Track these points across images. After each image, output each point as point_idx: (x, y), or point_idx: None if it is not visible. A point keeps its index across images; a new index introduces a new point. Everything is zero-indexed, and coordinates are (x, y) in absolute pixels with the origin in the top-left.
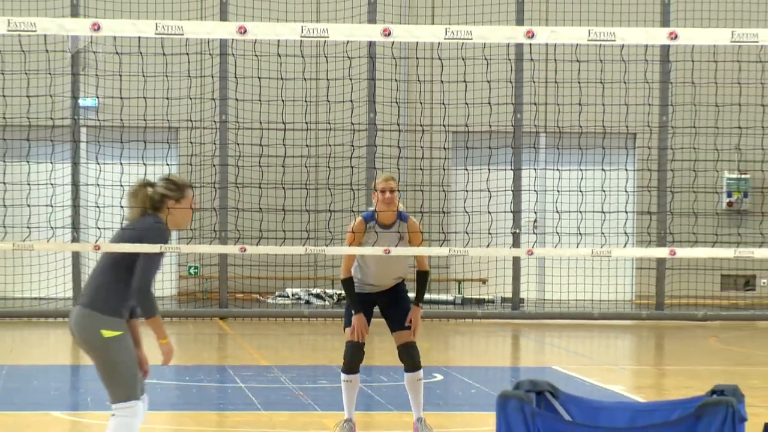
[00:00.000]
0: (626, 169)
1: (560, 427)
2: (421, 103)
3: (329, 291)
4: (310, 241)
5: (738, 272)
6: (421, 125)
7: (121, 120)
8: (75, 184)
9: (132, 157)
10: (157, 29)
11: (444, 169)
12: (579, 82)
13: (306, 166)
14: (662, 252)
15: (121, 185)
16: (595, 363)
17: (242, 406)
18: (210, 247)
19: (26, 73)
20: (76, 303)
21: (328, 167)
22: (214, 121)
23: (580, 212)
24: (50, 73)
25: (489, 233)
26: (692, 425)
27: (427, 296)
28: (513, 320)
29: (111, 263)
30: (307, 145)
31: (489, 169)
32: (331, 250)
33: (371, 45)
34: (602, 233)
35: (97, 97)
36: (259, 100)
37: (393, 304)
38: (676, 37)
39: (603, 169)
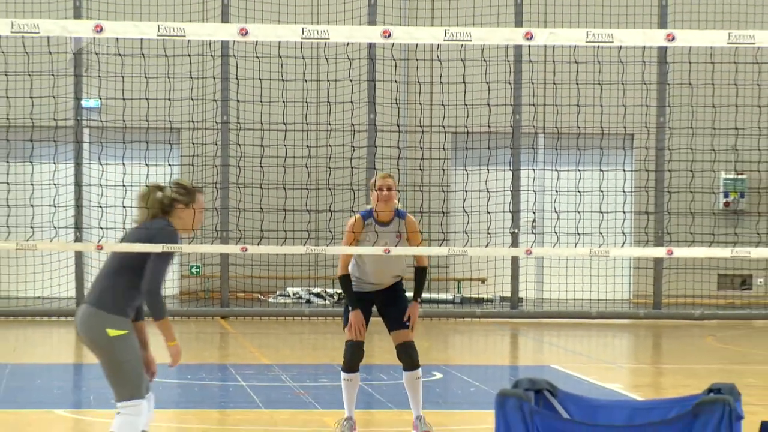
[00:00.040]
0: (624, 170)
1: (559, 426)
2: (420, 104)
3: (330, 290)
4: (310, 241)
5: (735, 272)
6: (420, 126)
7: (124, 121)
8: (78, 185)
9: (134, 157)
10: (159, 31)
11: (443, 170)
12: (577, 84)
13: (307, 167)
14: (660, 252)
15: (124, 185)
16: (593, 362)
17: (244, 405)
18: (212, 246)
19: (29, 75)
20: (83, 302)
21: (329, 168)
22: (216, 122)
23: (579, 212)
24: (53, 75)
25: (488, 233)
26: (689, 423)
27: (426, 295)
28: (512, 319)
29: (119, 264)
30: (307, 146)
31: (488, 170)
32: (332, 249)
33: (371, 46)
34: (600, 233)
35: (100, 98)
36: (261, 101)
37: (391, 304)
38: (673, 38)
39: (601, 170)
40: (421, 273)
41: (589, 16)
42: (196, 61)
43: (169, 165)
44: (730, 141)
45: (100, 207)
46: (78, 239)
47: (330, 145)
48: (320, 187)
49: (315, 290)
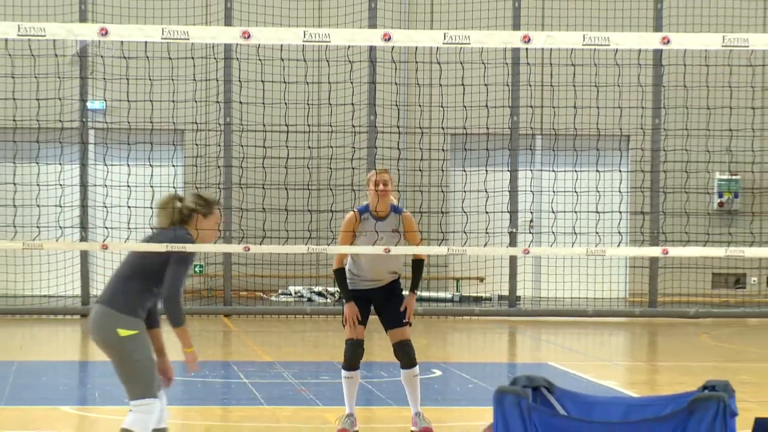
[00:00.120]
0: (620, 171)
1: (556, 422)
2: (420, 106)
3: (331, 289)
4: (312, 241)
5: (729, 271)
6: (420, 128)
7: (128, 122)
8: (83, 185)
9: (138, 158)
10: (163, 34)
11: (443, 171)
12: (574, 86)
13: (308, 168)
14: (655, 251)
15: (128, 186)
16: (589, 359)
17: (246, 401)
18: (214, 246)
19: (36, 77)
20: (96, 302)
21: (330, 168)
22: (219, 124)
23: (575, 212)
24: (59, 77)
25: (486, 233)
26: (684, 420)
27: (426, 294)
28: (510, 317)
29: (134, 266)
30: (309, 147)
31: (486, 171)
32: (333, 249)
33: (372, 49)
34: (597, 233)
35: (105, 100)
36: (263, 103)
37: (388, 303)
38: (668, 41)
39: (597, 171)
40: (418, 265)
41: (586, 20)
42: (200, 63)
43: (173, 166)
44: (725, 142)
45: (105, 207)
46: (83, 239)
47: (331, 147)
48: (321, 187)
49: (316, 289)
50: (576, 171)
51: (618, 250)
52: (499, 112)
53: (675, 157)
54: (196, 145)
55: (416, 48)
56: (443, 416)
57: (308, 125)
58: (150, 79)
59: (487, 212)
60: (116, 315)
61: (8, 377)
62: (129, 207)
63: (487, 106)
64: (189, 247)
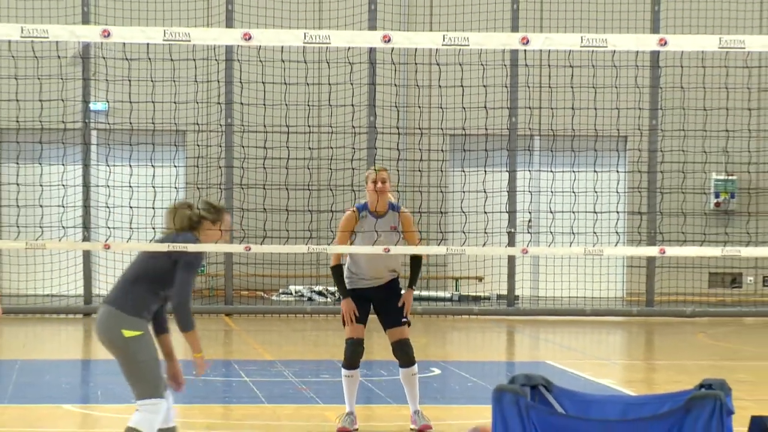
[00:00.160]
0: (617, 171)
1: (554, 420)
2: (419, 107)
3: (331, 288)
4: (312, 241)
5: (725, 270)
6: (419, 128)
7: (131, 123)
8: (86, 185)
9: (141, 159)
10: (165, 36)
11: (442, 171)
12: (572, 87)
13: (309, 168)
14: (652, 251)
15: (131, 186)
16: (587, 358)
17: (247, 400)
18: (216, 246)
19: (39, 78)
20: (103, 302)
21: (330, 169)
22: (220, 125)
23: (573, 212)
24: (62, 78)
25: (485, 232)
26: (681, 418)
27: (425, 293)
28: (508, 316)
29: (142, 269)
30: (309, 148)
31: (485, 171)
32: (333, 248)
33: (372, 51)
34: (594, 233)
35: (107, 101)
36: (264, 104)
37: (387, 302)
38: (665, 43)
39: (595, 171)
40: (416, 262)
41: (584, 22)
42: (201, 65)
43: (175, 166)
44: (721, 143)
45: (107, 207)
46: (86, 239)
47: (331, 147)
48: (322, 188)
49: (316, 288)
50: (574, 171)
51: (615, 250)
52: (498, 113)
53: (672, 158)
54: (198, 145)
55: (416, 49)
56: (442, 414)
57: (308, 126)
58: (152, 81)
59: (485, 212)
60: (121, 316)
61: (12, 376)
62: (131, 207)
63: (485, 107)
64: (190, 247)
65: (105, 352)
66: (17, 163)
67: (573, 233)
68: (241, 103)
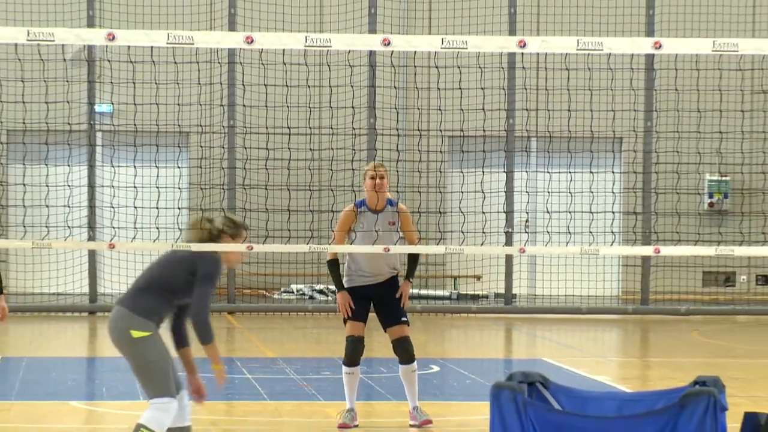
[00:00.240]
0: (613, 172)
1: (551, 416)
2: (418, 109)
3: (332, 287)
4: (313, 240)
5: (719, 269)
6: (418, 130)
7: (135, 125)
8: (91, 186)
9: (145, 160)
10: (168, 39)
11: (440, 172)
12: (568, 89)
13: (310, 169)
14: (647, 250)
15: (135, 187)
16: (583, 355)
17: (249, 396)
18: (218, 245)
19: (45, 81)
20: (116, 303)
21: (331, 170)
22: (223, 126)
23: (570, 212)
24: (68, 81)
25: (483, 232)
26: (676, 414)
27: (424, 292)
28: (506, 315)
29: (157, 277)
30: (311, 149)
31: (483, 172)
32: (334, 248)
33: (372, 54)
34: (590, 232)
35: (112, 104)
36: (266, 106)
37: (386, 301)
38: (660, 46)
39: (591, 172)
40: (413, 256)
41: (580, 25)
42: (204, 67)
43: (178, 167)
44: (715, 144)
45: (112, 207)
46: (91, 238)
47: (332, 148)
48: (323, 188)
49: (318, 287)
50: (570, 172)
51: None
52: (496, 114)
53: (666, 159)
54: (201, 147)
55: (415, 52)
56: (441, 411)
57: (310, 128)
58: (156, 83)
59: (483, 212)
60: (131, 317)
61: (18, 373)
62: (135, 207)
63: (483, 109)
64: (193, 247)
65: (110, 349)
66: (24, 164)
67: (569, 233)
68: (244, 105)
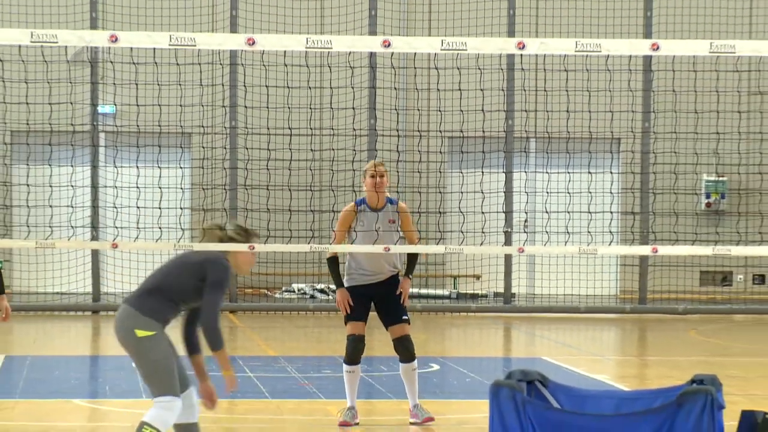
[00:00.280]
0: (611, 172)
1: (549, 414)
2: (418, 110)
3: (333, 286)
4: (314, 240)
5: (716, 269)
6: (418, 131)
7: (138, 126)
8: (94, 186)
9: (147, 160)
10: (170, 41)
11: (440, 172)
12: (567, 91)
13: (311, 170)
14: (645, 250)
15: (137, 187)
16: (582, 354)
17: (251, 395)
18: (220, 245)
19: (48, 82)
20: (123, 301)
21: (332, 170)
22: (225, 127)
23: (568, 212)
24: (71, 82)
25: (482, 232)
26: (674, 412)
27: (424, 291)
28: (505, 314)
29: (164, 284)
30: (311, 150)
31: (482, 172)
32: (335, 248)
33: (372, 55)
34: (589, 232)
35: (115, 105)
36: (267, 107)
37: (387, 300)
38: (658, 48)
39: (589, 172)
40: (413, 253)
41: (578, 27)
42: (206, 69)
43: (180, 168)
44: (712, 145)
45: (115, 207)
46: (94, 238)
47: (333, 149)
48: (323, 188)
49: (319, 286)
50: (569, 173)
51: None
52: (495, 115)
53: (664, 159)
54: (203, 147)
55: (415, 54)
56: (441, 408)
57: (311, 128)
58: (158, 84)
59: (483, 212)
60: (137, 316)
61: (23, 371)
62: (138, 207)
63: (483, 110)
64: (196, 246)
65: (113, 348)
66: (27, 165)
67: (568, 233)
68: (245, 106)
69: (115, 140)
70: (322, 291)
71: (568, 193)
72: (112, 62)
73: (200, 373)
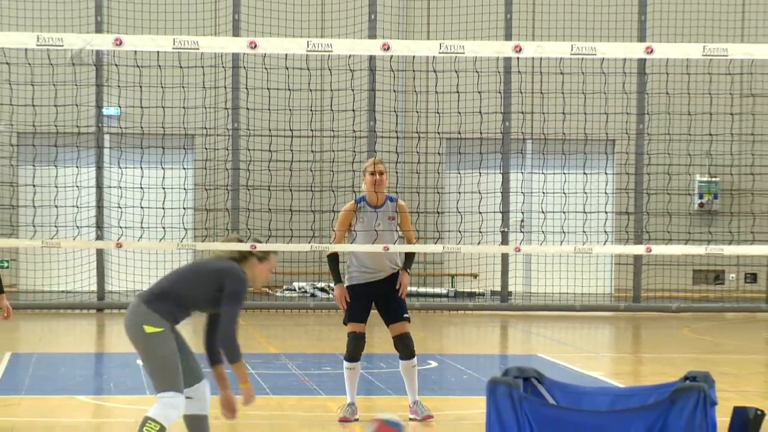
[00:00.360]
0: (606, 173)
1: (545, 411)
2: (417, 112)
3: (333, 285)
4: (315, 239)
5: (708, 268)
6: (417, 132)
7: (142, 128)
8: (99, 187)
9: (151, 162)
10: (174, 44)
11: (438, 173)
12: (563, 93)
13: (311, 170)
14: (639, 249)
15: (141, 188)
16: (577, 351)
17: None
18: (223, 244)
19: (54, 85)
20: (137, 296)
21: (332, 171)
22: (227, 129)
23: (564, 212)
24: (76, 84)
25: (480, 232)
26: (667, 408)
27: (422, 289)
28: (502, 312)
29: (176, 291)
30: (312, 151)
31: (480, 173)
32: (335, 247)
33: (371, 58)
34: (584, 232)
35: (120, 107)
36: (269, 110)
37: (388, 298)
38: (652, 51)
39: (585, 173)
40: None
41: (574, 30)
42: (209, 72)
43: (184, 169)
44: (705, 146)
45: (120, 207)
46: (99, 237)
47: (333, 150)
48: (324, 189)
49: (319, 285)
50: (564, 173)
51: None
52: (492, 117)
53: (658, 161)
54: (206, 149)
55: (414, 57)
56: (439, 405)
57: (311, 130)
58: (162, 87)
59: (480, 212)
60: (146, 312)
61: (28, 368)
62: (142, 207)
63: (480, 112)
64: (199, 245)
65: (117, 345)
66: (33, 166)
67: (563, 232)
68: (247, 108)
69: (120, 142)
70: (322, 290)
71: (564, 193)
72: (116, 65)
73: (221, 383)
